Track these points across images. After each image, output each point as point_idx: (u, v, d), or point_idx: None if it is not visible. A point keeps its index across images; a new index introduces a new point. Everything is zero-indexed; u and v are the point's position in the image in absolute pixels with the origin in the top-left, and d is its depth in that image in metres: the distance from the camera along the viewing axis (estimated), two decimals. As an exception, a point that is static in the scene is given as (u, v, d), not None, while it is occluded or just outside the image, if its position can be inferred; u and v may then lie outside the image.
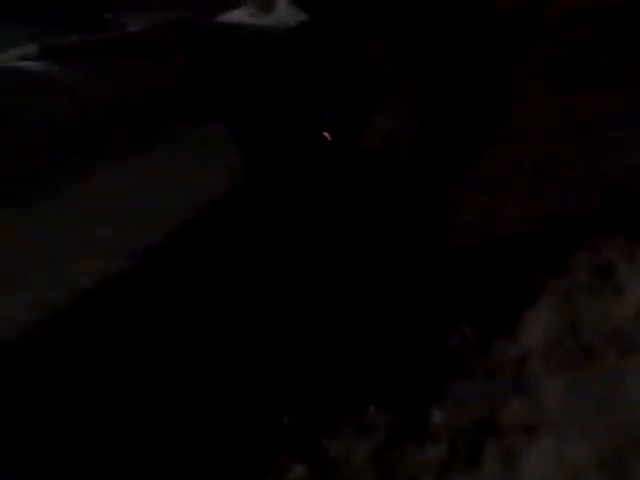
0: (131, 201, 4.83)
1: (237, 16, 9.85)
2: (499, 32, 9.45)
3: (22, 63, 6.19)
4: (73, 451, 2.71)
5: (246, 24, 9.25)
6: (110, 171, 5.13)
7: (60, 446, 2.74)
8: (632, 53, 7.99)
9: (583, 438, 2.31)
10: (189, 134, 5.80)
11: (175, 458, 2.65)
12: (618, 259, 3.22)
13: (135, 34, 8.25)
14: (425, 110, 6.93)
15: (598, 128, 5.51)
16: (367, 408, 2.72)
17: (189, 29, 8.56)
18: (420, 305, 3.43)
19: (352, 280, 3.85)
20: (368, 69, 5.10)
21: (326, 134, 4.87)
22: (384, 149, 6.07)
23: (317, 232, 4.51)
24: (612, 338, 2.75)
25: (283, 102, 5.00)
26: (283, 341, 3.35)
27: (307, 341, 3.32)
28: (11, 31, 8.38)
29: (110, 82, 6.31)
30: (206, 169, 5.41)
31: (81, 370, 3.21)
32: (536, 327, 2.86)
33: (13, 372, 3.17)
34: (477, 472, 2.32)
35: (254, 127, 5.18)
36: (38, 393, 3.05)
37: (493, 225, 4.37)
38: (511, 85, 7.14)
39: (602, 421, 2.37)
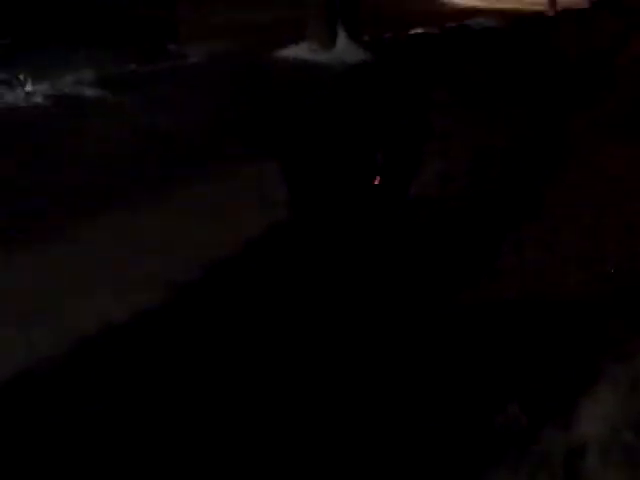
0: (171, 234, 4.71)
1: (297, 51, 9.79)
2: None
3: (77, 88, 6.17)
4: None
5: (306, 59, 9.18)
6: (153, 203, 4.99)
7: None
8: None
9: None
10: (240, 171, 5.67)
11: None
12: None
13: (193, 65, 8.24)
14: (480, 159, 6.76)
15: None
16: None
17: (248, 62, 8.50)
18: (463, 375, 3.15)
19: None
20: (427, 116, 4.93)
21: (376, 179, 4.73)
22: (436, 197, 5.88)
23: (358, 279, 4.31)
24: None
25: (337, 142, 4.87)
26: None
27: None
28: (75, 57, 8.45)
29: (164, 112, 6.22)
30: (253, 206, 5.24)
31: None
32: (595, 418, 2.58)
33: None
34: None
35: (305, 165, 5.02)
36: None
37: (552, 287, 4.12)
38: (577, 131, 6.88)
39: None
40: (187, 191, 5.18)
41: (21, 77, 7.20)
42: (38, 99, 5.77)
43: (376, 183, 4.75)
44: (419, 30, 14.20)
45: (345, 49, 9.55)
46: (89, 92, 6.11)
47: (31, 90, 5.87)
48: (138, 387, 3.08)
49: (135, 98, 6.16)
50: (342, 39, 9.73)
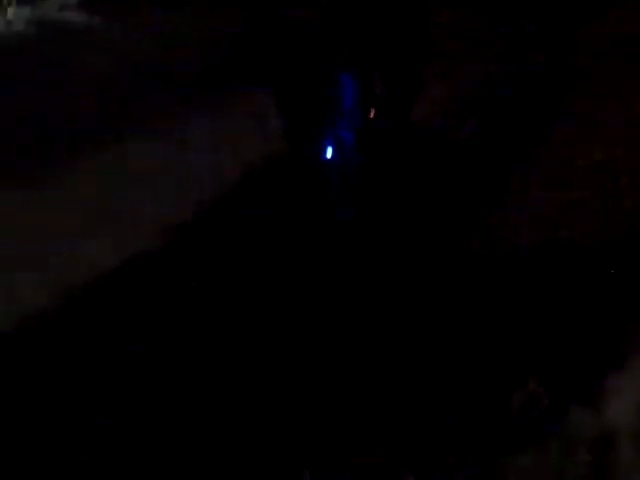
0: (163, 168, 4.47)
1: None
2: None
3: (62, 14, 5.77)
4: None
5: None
6: (145, 136, 4.73)
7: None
8: None
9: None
10: (235, 100, 5.35)
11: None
12: None
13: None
14: (488, 85, 6.41)
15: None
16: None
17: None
18: (477, 348, 2.92)
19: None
20: (428, 38, 4.60)
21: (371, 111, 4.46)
22: (438, 124, 5.59)
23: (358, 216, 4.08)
24: None
25: (328, 63, 4.58)
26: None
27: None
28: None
29: (155, 38, 5.85)
30: (247, 136, 4.98)
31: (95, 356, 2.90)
32: (628, 398, 2.34)
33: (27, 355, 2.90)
34: None
35: (298, 92, 4.74)
36: (54, 377, 2.83)
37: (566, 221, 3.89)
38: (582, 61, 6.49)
39: None
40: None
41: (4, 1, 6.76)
42: (18, 26, 5.39)
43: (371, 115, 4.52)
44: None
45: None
46: (73, 17, 5.70)
47: (10, 17, 5.47)
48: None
49: (122, 23, 5.76)
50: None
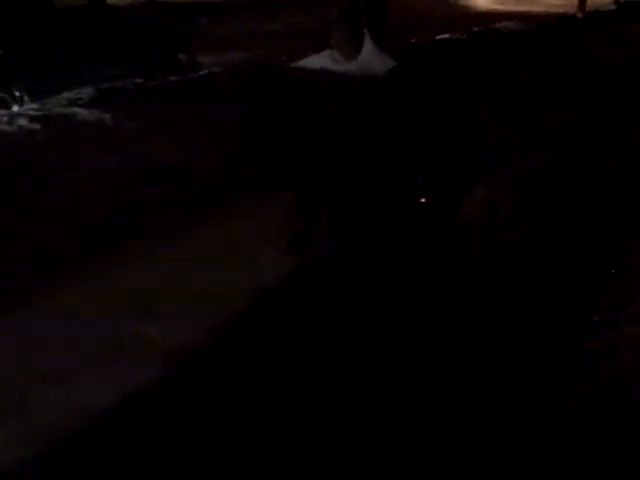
0: (175, 285, 3.86)
1: (319, 61, 8.99)
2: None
3: (72, 109, 5.36)
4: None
5: (329, 69, 8.38)
6: (155, 250, 4.12)
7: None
8: None
9: None
10: (251, 204, 4.82)
11: None
12: None
13: (202, 78, 7.45)
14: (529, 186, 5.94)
15: None
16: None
17: (266, 74, 7.72)
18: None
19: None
20: (477, 134, 4.13)
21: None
22: (483, 226, 5.08)
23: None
24: None
25: (372, 162, 4.12)
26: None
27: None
28: (79, 72, 7.74)
29: (170, 135, 5.41)
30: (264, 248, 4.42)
31: None
32: None
33: None
34: None
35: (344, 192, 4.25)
36: None
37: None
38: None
39: None
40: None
41: (17, 94, 6.46)
42: (23, 121, 4.95)
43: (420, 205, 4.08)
44: (445, 35, 13.38)
45: (371, 57, 8.75)
46: (83, 113, 5.29)
47: (18, 110, 5.06)
48: None
49: (134, 119, 5.35)
50: (367, 47, 8.93)
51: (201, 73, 9.45)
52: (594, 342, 3.25)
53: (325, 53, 9.20)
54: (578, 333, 3.36)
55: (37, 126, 4.92)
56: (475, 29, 15.10)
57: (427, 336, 3.45)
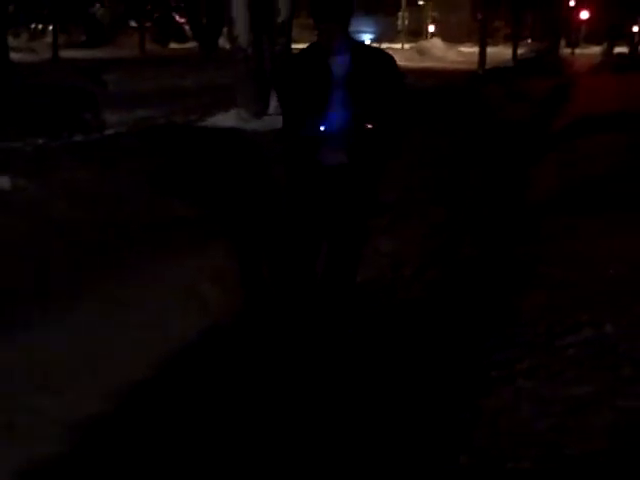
0: (85, 350, 3.76)
1: (225, 119, 9.07)
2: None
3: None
4: None
5: (235, 128, 8.44)
6: (63, 312, 4.00)
7: None
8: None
9: None
10: (165, 266, 4.78)
11: None
12: None
13: (108, 138, 7.40)
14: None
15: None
16: None
17: (170, 133, 7.72)
18: None
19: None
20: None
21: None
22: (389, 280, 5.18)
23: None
24: None
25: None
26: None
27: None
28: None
29: (74, 196, 5.32)
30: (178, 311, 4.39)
31: None
32: None
33: None
34: None
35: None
36: None
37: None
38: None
39: None
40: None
41: None
42: None
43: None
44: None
45: (277, 115, 8.86)
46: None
47: None
48: None
49: (35, 182, 5.25)
50: (274, 105, 9.05)
51: (107, 133, 9.40)
52: (493, 398, 3.32)
53: (232, 112, 9.28)
54: (477, 390, 3.43)
55: None
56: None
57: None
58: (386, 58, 4.00)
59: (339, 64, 3.82)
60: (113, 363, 3.76)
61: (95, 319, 3.99)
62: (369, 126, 3.79)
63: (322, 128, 3.80)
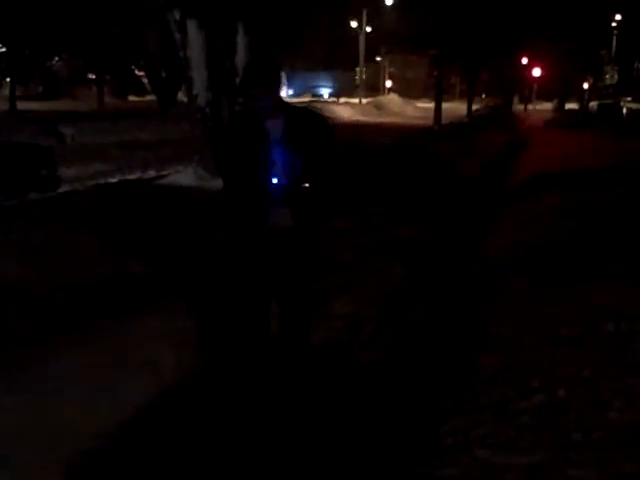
0: (27, 421, 3.69)
1: (184, 178, 9.09)
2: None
3: None
4: None
5: (192, 187, 8.47)
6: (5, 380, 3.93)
7: None
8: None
9: None
10: (118, 330, 4.74)
11: None
12: None
13: (64, 196, 7.37)
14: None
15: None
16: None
17: (128, 193, 7.71)
18: None
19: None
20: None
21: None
22: (344, 343, 5.18)
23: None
24: None
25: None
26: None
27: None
28: None
29: (27, 260, 5.27)
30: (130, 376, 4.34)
31: None
32: None
33: None
34: None
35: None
36: None
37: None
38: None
39: None
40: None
41: None
42: None
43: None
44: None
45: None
46: None
47: None
48: None
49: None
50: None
51: (63, 190, 9.37)
52: (449, 468, 3.32)
53: (190, 170, 9.32)
54: (432, 459, 3.43)
55: None
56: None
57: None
58: (318, 120, 4.14)
59: (274, 127, 3.94)
60: (63, 431, 3.70)
61: (46, 383, 3.93)
62: (306, 185, 3.86)
63: (274, 181, 3.89)
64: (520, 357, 4.54)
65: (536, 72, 44.28)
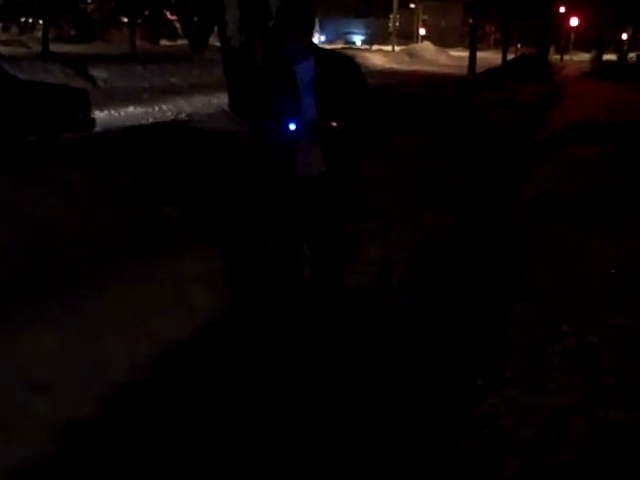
0: (72, 352, 3.78)
1: (216, 121, 9.07)
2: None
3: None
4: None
5: (228, 131, 8.43)
6: (53, 313, 4.00)
7: None
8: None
9: None
10: (154, 269, 4.79)
11: None
12: None
13: (99, 136, 7.40)
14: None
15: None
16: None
17: (160, 134, 7.72)
18: None
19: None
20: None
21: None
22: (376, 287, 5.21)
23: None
24: None
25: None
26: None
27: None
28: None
29: (66, 198, 5.32)
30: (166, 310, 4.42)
31: None
32: None
33: None
34: None
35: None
36: None
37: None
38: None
39: None
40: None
41: None
42: None
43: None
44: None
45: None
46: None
47: None
48: None
49: (26, 182, 5.25)
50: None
51: (98, 131, 9.41)
52: (478, 406, 3.37)
53: (221, 113, 9.30)
54: (463, 397, 3.48)
55: None
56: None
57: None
58: (348, 61, 4.13)
59: (305, 70, 3.93)
60: (103, 364, 3.80)
61: (86, 319, 4.01)
62: (334, 124, 3.86)
63: (292, 127, 3.88)
64: (552, 303, 4.55)
65: (573, 21, 43.34)
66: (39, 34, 29.50)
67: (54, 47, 28.14)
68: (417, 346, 4.20)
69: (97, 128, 9.73)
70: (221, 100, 10.01)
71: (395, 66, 35.54)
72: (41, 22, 29.25)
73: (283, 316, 4.42)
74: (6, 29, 29.92)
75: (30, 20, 30.57)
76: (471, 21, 27.96)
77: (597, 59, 39.65)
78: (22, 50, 28.00)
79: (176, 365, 3.95)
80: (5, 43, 27.51)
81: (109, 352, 3.89)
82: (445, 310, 4.76)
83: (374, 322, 4.57)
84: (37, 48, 28.29)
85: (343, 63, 4.08)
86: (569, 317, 4.26)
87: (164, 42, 37.83)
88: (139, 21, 34.18)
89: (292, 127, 3.86)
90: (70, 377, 3.61)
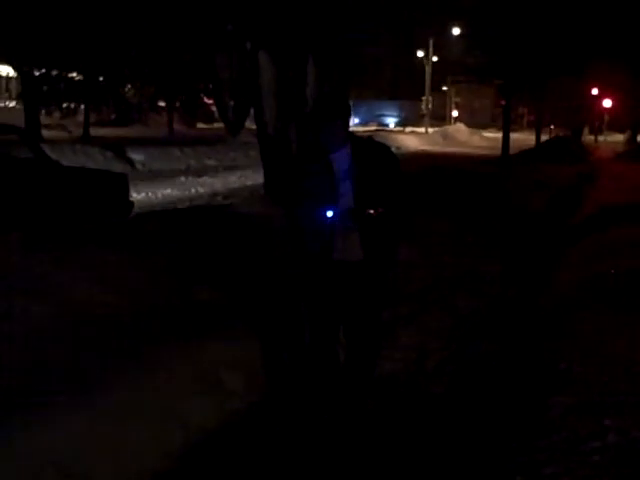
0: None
1: (252, 205, 9.19)
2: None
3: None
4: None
5: (259, 215, 8.52)
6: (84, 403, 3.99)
7: None
8: None
9: None
10: (187, 353, 4.79)
11: None
12: None
13: (137, 220, 7.51)
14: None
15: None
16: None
17: (200, 219, 7.83)
18: None
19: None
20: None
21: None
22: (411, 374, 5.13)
23: None
24: None
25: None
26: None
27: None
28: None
29: (104, 282, 5.38)
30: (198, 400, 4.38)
31: None
32: None
33: None
34: None
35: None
36: None
37: None
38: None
39: None
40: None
41: None
42: None
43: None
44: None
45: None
46: (11, 259, 5.29)
47: None
48: None
49: (64, 266, 5.34)
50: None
51: (136, 214, 9.56)
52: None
53: (257, 197, 9.42)
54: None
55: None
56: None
57: None
58: (384, 150, 4.18)
59: (341, 158, 3.97)
60: (132, 452, 3.76)
61: (117, 405, 3.98)
62: (371, 211, 3.87)
63: (330, 214, 3.90)
64: (591, 394, 4.45)
65: (607, 103, 43.59)
66: (80, 118, 30.30)
67: (94, 131, 28.88)
68: (449, 437, 4.10)
69: (135, 210, 9.88)
70: (256, 182, 10.15)
71: (429, 148, 35.87)
72: (82, 107, 30.08)
73: (317, 396, 4.34)
74: (49, 113, 30.80)
75: (72, 105, 31.42)
76: (503, 102, 28.29)
77: (631, 140, 39.65)
78: (63, 134, 28.73)
79: (208, 454, 3.90)
80: (48, 127, 28.26)
81: (142, 441, 3.86)
82: (480, 401, 4.66)
83: (407, 411, 4.49)
84: (78, 132, 29.03)
85: (379, 152, 4.13)
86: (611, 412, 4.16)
87: (201, 125, 38.70)
88: (177, 105, 35.04)
89: (329, 214, 3.90)
90: (102, 466, 3.58)
